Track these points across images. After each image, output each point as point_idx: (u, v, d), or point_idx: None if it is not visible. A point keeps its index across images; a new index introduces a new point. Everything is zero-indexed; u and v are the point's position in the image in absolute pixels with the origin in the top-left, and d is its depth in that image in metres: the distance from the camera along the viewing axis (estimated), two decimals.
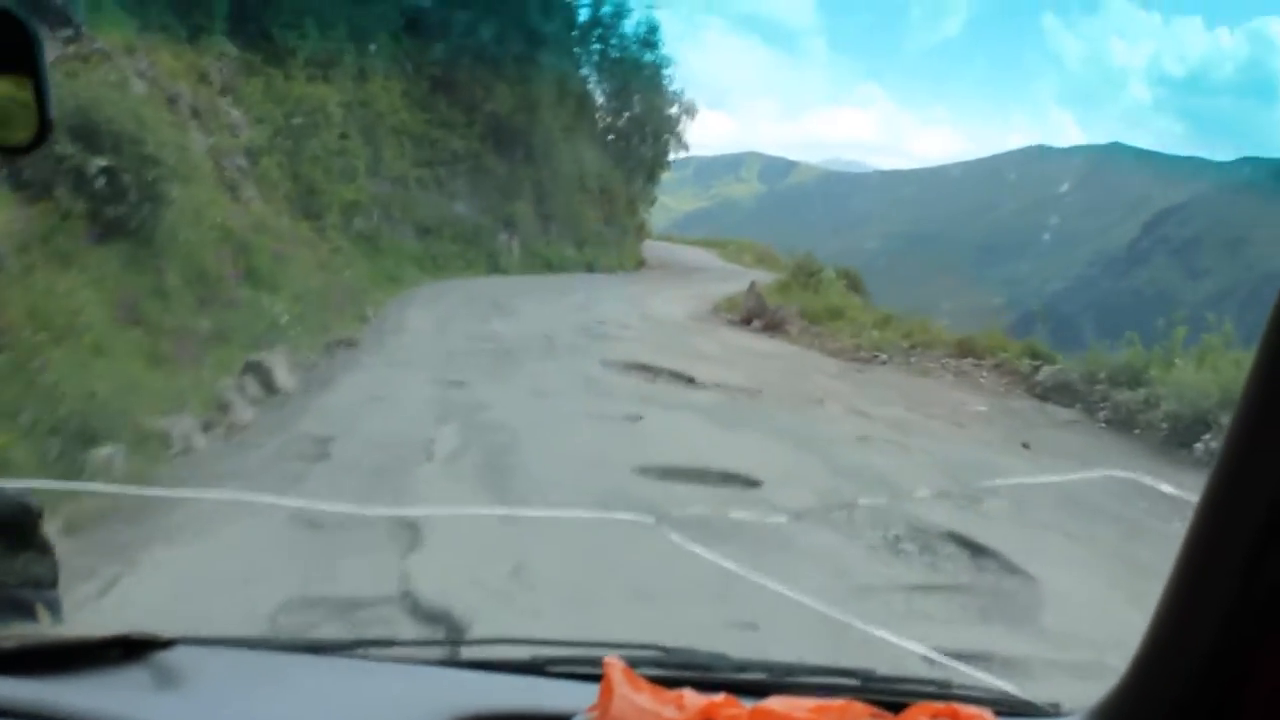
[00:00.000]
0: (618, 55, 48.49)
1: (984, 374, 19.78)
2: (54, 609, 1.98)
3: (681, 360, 18.90)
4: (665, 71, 50.00)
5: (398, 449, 10.85)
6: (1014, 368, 19.59)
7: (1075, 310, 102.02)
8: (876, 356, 21.75)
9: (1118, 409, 16.30)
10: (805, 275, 33.12)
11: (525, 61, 39.59)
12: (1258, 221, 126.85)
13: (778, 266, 47.42)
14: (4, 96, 2.04)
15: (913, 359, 21.30)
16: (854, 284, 36.06)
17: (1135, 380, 16.62)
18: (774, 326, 25.53)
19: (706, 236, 75.52)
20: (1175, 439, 14.64)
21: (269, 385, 13.72)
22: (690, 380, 17.15)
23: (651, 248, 51.72)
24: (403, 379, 15.24)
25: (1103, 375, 17.28)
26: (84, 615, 5.66)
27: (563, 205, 42.94)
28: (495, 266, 37.45)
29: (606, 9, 47.71)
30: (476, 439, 11.62)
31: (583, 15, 47.03)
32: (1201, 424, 14.24)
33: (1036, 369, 19.07)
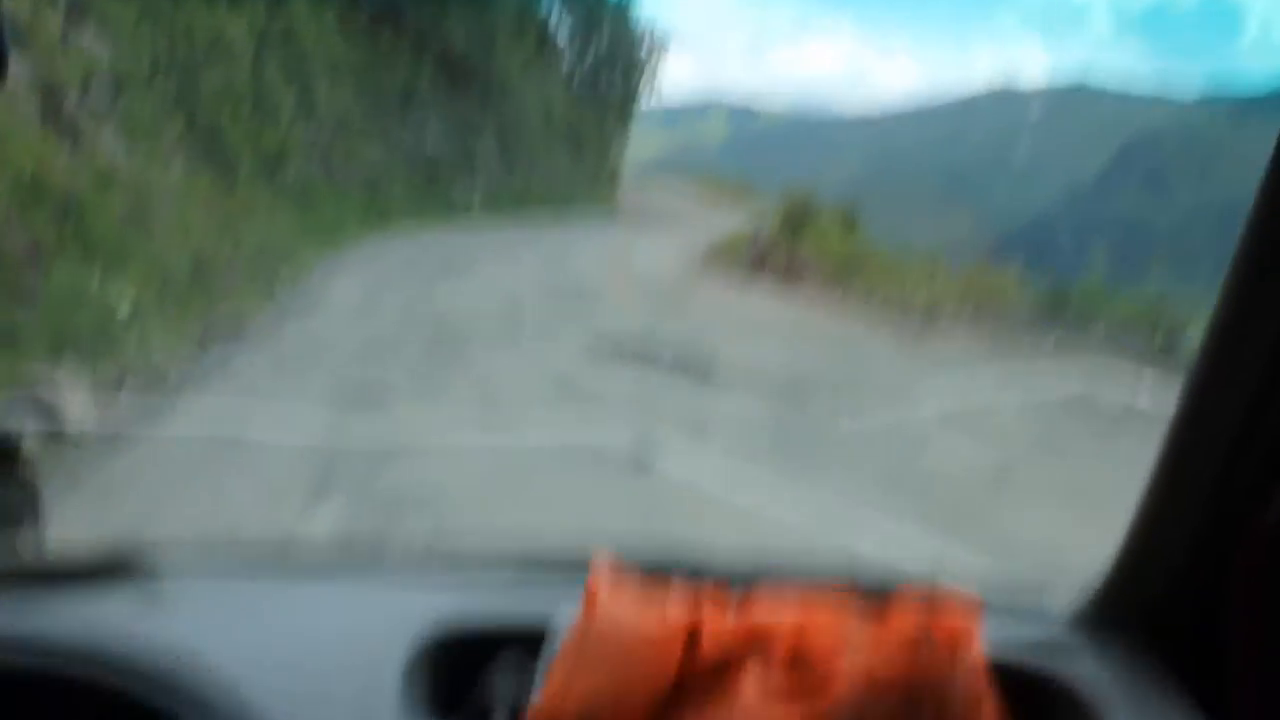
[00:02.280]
0: None
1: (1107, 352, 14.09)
2: (38, 534, 1.82)
3: (688, 338, 13.54)
4: (633, 4, 44.11)
5: None
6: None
7: (1051, 236, 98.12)
8: (935, 321, 16.20)
9: None
10: (800, 216, 27.54)
11: None
12: (1222, 149, 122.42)
13: (758, 206, 43.05)
14: None
15: (989, 325, 15.70)
16: (849, 224, 30.23)
17: None
18: (788, 279, 20.04)
19: (677, 178, 70.04)
20: None
21: (54, 428, 8.19)
22: (707, 370, 11.74)
23: (624, 192, 45.91)
24: (286, 395, 9.70)
25: None
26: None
27: (528, 148, 37.03)
28: (455, 217, 31.65)
29: None
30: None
31: None
32: None
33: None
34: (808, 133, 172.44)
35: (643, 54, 44.76)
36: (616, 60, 44.08)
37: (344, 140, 28.02)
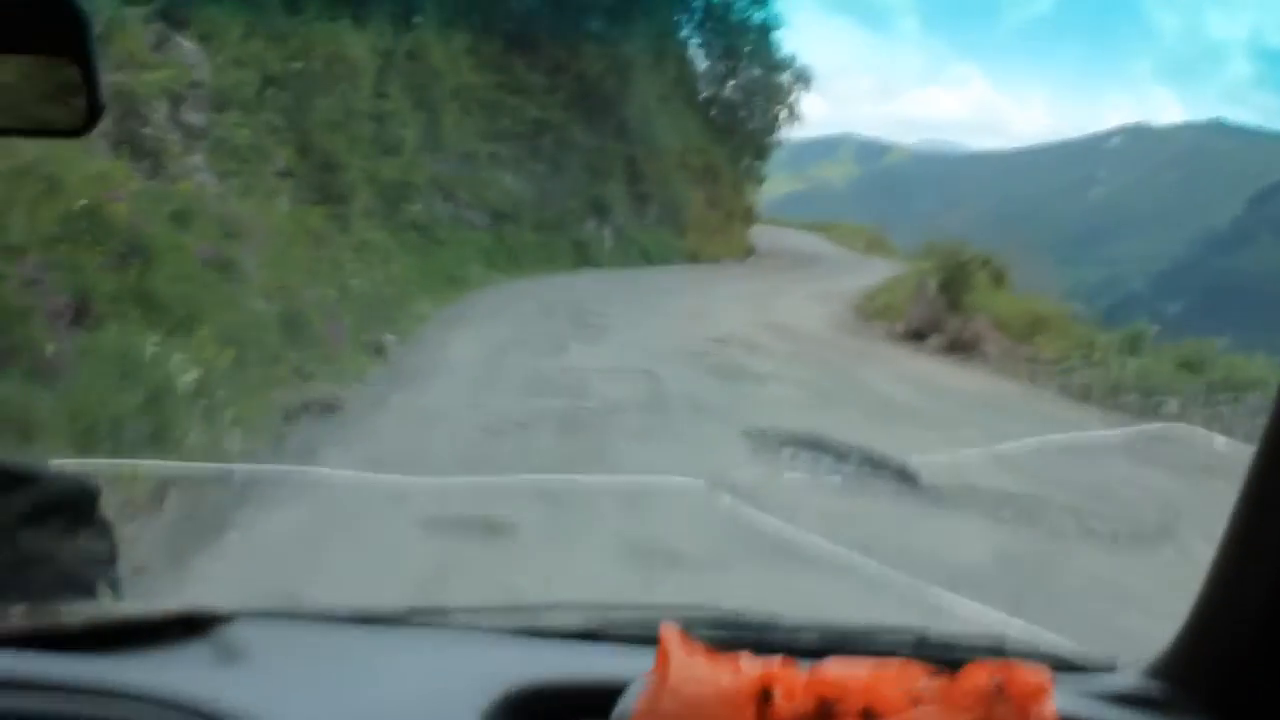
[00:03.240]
0: (722, 13, 39.88)
1: None
2: (115, 587, 1.76)
3: (867, 420, 11.09)
4: (775, 34, 41.28)
5: None
6: None
7: (1181, 291, 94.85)
8: (1160, 404, 13.37)
9: None
10: (959, 272, 24.91)
11: (616, 17, 31.27)
12: None
13: (893, 253, 41.35)
14: (56, 79, 1.88)
15: (1226, 410, 12.80)
16: (998, 276, 27.32)
17: None
18: (963, 346, 17.36)
19: (806, 219, 67.52)
20: None
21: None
22: (911, 480, 9.14)
23: (756, 233, 43.18)
24: (371, 518, 7.28)
25: None
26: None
27: (661, 186, 34.58)
28: (584, 258, 29.45)
29: None
30: None
31: None
32: None
33: None
34: (937, 172, 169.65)
35: (783, 87, 42.10)
36: (757, 91, 41.50)
37: (470, 175, 25.88)
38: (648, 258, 32.24)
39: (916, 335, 18.59)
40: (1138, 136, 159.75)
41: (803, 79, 42.01)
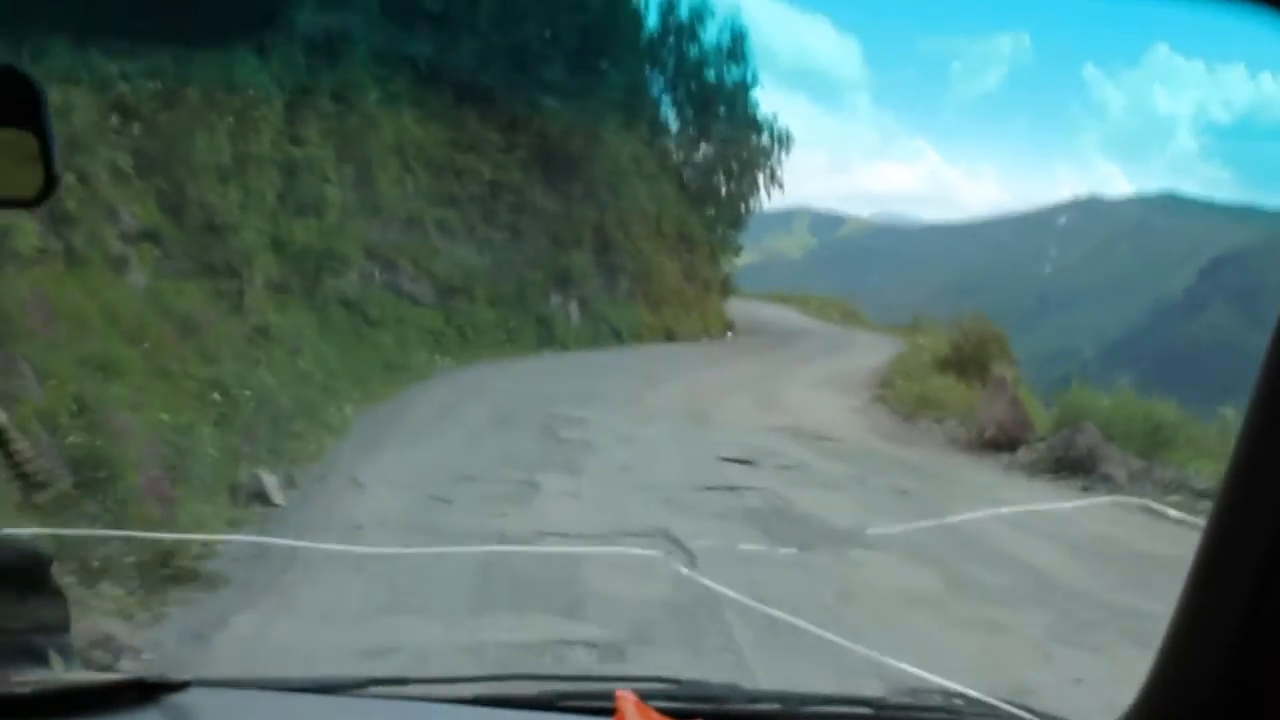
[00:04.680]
0: (696, 69, 35.42)
1: None
2: (66, 654, 1.76)
3: (1070, 648, 6.26)
4: (753, 92, 36.89)
5: None
6: None
7: (1133, 359, 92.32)
8: None
9: None
10: (974, 344, 21.08)
11: (580, 67, 26.67)
12: None
13: (869, 325, 39.99)
14: (9, 151, 1.86)
15: None
16: (1001, 348, 23.12)
17: None
18: (1074, 466, 12.47)
19: (763, 291, 64.60)
20: None
21: None
22: None
23: (728, 307, 38.74)
24: None
25: None
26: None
27: (633, 256, 29.97)
28: (548, 338, 25.02)
29: (682, 12, 34.79)
30: None
31: (652, 20, 34.00)
32: None
33: None
34: (892, 244, 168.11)
35: (762, 149, 37.67)
36: (735, 153, 37.05)
37: (415, 242, 21.49)
38: (619, 336, 27.83)
39: (994, 445, 13.74)
40: (1090, 209, 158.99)
41: (782, 141, 37.62)
